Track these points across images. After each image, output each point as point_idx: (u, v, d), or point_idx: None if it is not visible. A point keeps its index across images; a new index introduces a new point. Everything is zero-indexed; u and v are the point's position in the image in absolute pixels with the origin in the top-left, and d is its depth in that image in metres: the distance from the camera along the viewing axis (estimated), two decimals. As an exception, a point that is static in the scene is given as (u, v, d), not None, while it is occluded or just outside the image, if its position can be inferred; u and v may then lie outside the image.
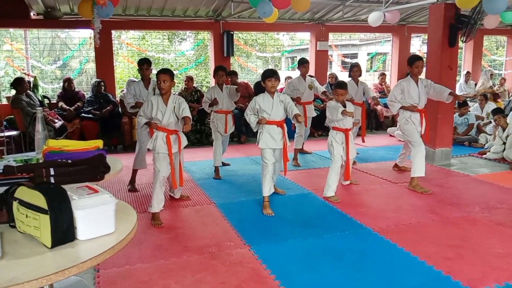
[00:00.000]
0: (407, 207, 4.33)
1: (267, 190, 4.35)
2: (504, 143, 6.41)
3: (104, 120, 7.56)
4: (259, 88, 4.57)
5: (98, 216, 1.74)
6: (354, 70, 6.11)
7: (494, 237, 3.74)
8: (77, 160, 2.57)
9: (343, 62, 13.92)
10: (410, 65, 5.00)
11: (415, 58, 5.01)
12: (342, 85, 4.65)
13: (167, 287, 2.96)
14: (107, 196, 1.78)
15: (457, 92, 10.09)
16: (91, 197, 1.75)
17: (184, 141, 4.19)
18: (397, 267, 3.22)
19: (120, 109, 7.88)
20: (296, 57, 19.20)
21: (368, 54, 16.93)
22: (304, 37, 11.67)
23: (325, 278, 3.06)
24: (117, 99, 8.21)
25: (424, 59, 5.80)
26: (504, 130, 6.64)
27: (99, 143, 3.04)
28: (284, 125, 4.32)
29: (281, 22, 9.44)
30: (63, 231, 1.65)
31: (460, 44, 6.70)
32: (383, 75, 10.41)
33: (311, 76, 6.87)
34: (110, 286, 3.00)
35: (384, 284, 2.98)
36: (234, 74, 8.29)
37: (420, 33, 12.05)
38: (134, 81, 7.84)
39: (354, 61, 16.73)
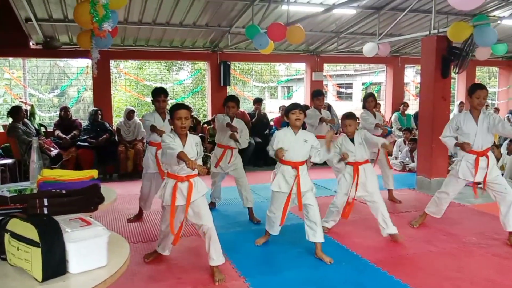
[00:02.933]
0: (404, 237, 4.29)
1: (270, 226, 4.22)
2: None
3: (100, 148, 7.56)
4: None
5: (90, 249, 1.71)
6: (369, 101, 5.80)
7: (491, 269, 3.70)
8: (71, 190, 2.56)
9: (338, 92, 14.09)
10: (470, 95, 4.28)
11: (477, 87, 4.28)
12: (350, 115, 4.38)
13: (160, 321, 2.90)
14: (100, 228, 1.76)
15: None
16: (84, 230, 1.74)
17: (202, 188, 3.55)
18: (394, 300, 3.17)
19: (116, 138, 7.89)
20: (292, 86, 19.43)
21: (363, 84, 17.18)
22: (300, 67, 11.86)
23: (321, 312, 3.01)
24: (113, 127, 8.23)
25: (417, 90, 5.86)
26: (498, 160, 6.67)
27: (93, 173, 3.02)
28: (302, 167, 3.91)
29: (277, 53, 9.61)
30: (55, 265, 1.63)
31: (453, 75, 6.81)
32: (376, 105, 10.50)
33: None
34: (102, 319, 2.93)
35: (381, 317, 2.93)
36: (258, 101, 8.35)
37: (413, 64, 12.27)
38: (130, 109, 7.96)
39: (349, 91, 16.93)
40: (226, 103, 5.00)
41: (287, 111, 3.95)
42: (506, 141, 7.15)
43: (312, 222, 3.88)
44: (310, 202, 3.88)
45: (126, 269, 1.85)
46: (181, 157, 3.08)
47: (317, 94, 5.93)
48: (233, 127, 4.83)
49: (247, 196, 5.05)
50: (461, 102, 11.02)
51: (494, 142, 7.37)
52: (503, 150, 7.02)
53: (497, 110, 11.43)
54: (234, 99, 5.04)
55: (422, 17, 8.12)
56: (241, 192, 5.08)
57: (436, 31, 6.41)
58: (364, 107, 5.91)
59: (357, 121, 4.49)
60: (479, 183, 4.38)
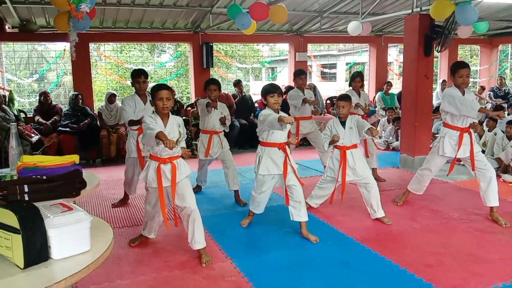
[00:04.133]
0: (388, 215, 4.34)
1: (255, 206, 4.24)
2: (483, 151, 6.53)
3: (82, 133, 7.45)
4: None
5: (72, 235, 1.68)
6: (356, 81, 5.80)
7: (474, 244, 3.78)
8: (52, 176, 2.51)
9: (322, 73, 14.07)
10: (453, 74, 4.29)
11: (459, 65, 4.30)
12: (344, 97, 4.35)
13: (148, 304, 2.90)
14: (82, 213, 1.73)
15: (434, 100, 10.29)
16: (65, 215, 1.70)
17: (186, 169, 3.49)
18: (379, 277, 3.23)
19: (98, 122, 7.77)
20: (276, 67, 19.33)
21: (347, 64, 17.17)
22: (283, 48, 11.76)
23: (308, 290, 3.05)
24: (95, 112, 8.09)
25: (401, 69, 5.84)
26: (480, 137, 6.77)
27: (75, 158, 2.97)
28: (287, 147, 3.94)
29: (260, 33, 9.51)
30: (36, 251, 1.60)
31: (436, 53, 6.84)
32: (362, 86, 10.52)
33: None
34: (89, 304, 2.93)
35: (366, 294, 2.98)
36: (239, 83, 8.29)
37: (396, 43, 12.28)
38: (111, 93, 7.83)
39: (333, 71, 16.92)
40: (207, 86, 4.92)
41: (265, 93, 3.85)
42: (487, 118, 7.24)
43: (296, 202, 3.90)
44: (294, 182, 3.88)
45: (110, 253, 1.83)
46: (160, 136, 3.04)
47: (300, 73, 5.82)
48: (211, 103, 4.77)
49: (233, 179, 5.03)
50: (444, 81, 11.12)
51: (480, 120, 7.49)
52: (484, 127, 7.12)
53: (482, 88, 11.54)
54: (215, 82, 4.98)
55: (404, -5, 8.09)
56: (227, 174, 5.06)
57: (418, 9, 6.40)
58: (350, 86, 5.89)
59: (351, 103, 4.41)
60: (460, 160, 4.43)
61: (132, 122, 4.46)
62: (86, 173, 2.94)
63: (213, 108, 4.86)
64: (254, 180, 4.19)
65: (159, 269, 3.39)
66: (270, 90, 3.83)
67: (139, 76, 4.55)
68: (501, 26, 10.69)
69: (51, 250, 1.64)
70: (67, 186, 2.52)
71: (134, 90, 4.67)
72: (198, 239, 3.44)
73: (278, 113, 3.80)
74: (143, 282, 3.20)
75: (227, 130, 5.14)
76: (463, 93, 4.25)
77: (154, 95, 3.32)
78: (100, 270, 3.32)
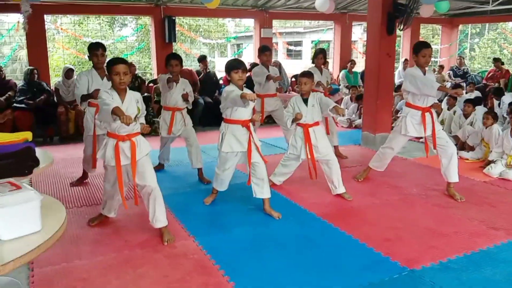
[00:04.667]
0: (349, 191, 4.42)
1: (218, 184, 4.20)
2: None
3: (39, 110, 7.13)
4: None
5: (21, 214, 1.61)
6: (319, 57, 5.73)
7: (431, 218, 3.91)
8: (3, 153, 2.39)
9: (287, 50, 14.03)
10: (415, 53, 4.31)
11: (422, 45, 4.33)
12: (306, 73, 4.31)
13: (108, 284, 2.84)
14: (31, 192, 1.65)
15: (396, 79, 10.48)
16: (13, 194, 1.62)
17: (146, 147, 3.41)
18: (339, 251, 3.30)
19: (55, 98, 7.46)
20: (242, 44, 19.11)
21: (312, 41, 17.19)
22: (249, 24, 11.61)
23: (270, 266, 3.07)
24: (52, 87, 7.76)
25: (365, 48, 5.86)
26: (438, 115, 6.96)
27: (27, 135, 2.84)
28: (250, 124, 3.89)
29: (225, 8, 9.31)
30: (-18, 232, 1.52)
31: (399, 32, 6.91)
32: (325, 63, 10.56)
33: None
34: (46, 285, 2.84)
35: (326, 267, 3.04)
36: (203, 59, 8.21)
37: (361, 21, 12.35)
38: (69, 68, 7.52)
39: (298, 48, 16.92)
40: (168, 61, 4.78)
41: (229, 69, 3.78)
42: (447, 97, 7.46)
43: (259, 179, 3.90)
44: (257, 160, 3.87)
45: (63, 233, 1.76)
46: (116, 112, 2.95)
47: (264, 49, 5.73)
48: (171, 78, 4.66)
49: (197, 157, 4.97)
50: (406, 60, 11.31)
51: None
52: (444, 105, 7.32)
53: (441, 67, 11.83)
54: (176, 57, 4.84)
55: (369, -27, 8.08)
56: (191, 152, 4.98)
57: (382, -14, 6.42)
58: (313, 63, 5.88)
59: (313, 80, 4.40)
60: (420, 138, 4.54)
61: (84, 97, 4.29)
62: (40, 151, 2.83)
63: (174, 84, 4.74)
64: (218, 157, 4.15)
65: (119, 248, 3.32)
66: (234, 66, 3.76)
67: (96, 48, 4.35)
68: (462, 6, 10.93)
69: (-2, 231, 1.56)
70: (19, 164, 2.41)
71: (92, 65, 4.48)
72: (159, 217, 3.39)
73: (242, 89, 3.74)
74: (102, 262, 3.13)
75: (190, 107, 5.04)
76: (424, 73, 4.31)
77: (110, 70, 3.20)
78: (58, 250, 3.22)
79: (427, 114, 4.37)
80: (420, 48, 4.28)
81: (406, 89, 4.39)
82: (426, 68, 4.42)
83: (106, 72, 3.46)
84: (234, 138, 3.86)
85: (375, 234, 3.55)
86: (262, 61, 5.78)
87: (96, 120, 4.28)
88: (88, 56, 4.52)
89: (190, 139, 4.96)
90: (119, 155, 3.26)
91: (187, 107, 4.98)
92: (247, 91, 3.72)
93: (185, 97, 4.82)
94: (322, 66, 5.90)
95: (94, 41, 9.60)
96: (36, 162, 2.49)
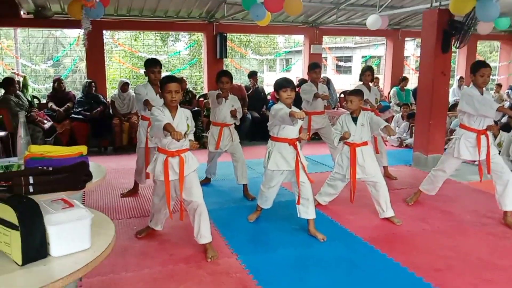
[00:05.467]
0: (398, 215, 4.27)
1: (263, 201, 4.20)
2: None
3: (95, 121, 7.47)
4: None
5: (72, 232, 1.66)
6: (366, 75, 5.63)
7: (485, 248, 3.70)
8: (58, 167, 2.49)
9: (337, 66, 13.90)
10: (473, 73, 4.14)
11: (481, 65, 4.17)
12: (353, 91, 4.27)
13: (151, 298, 2.89)
14: (83, 210, 1.70)
15: (451, 97, 10.10)
16: (65, 212, 1.68)
17: (194, 163, 3.49)
18: (386, 279, 3.17)
19: (111, 110, 7.79)
20: (291, 59, 19.18)
21: (363, 57, 16.94)
22: (299, 39, 11.63)
23: (313, 290, 3.01)
24: (108, 100, 8.11)
25: (418, 63, 5.69)
26: (495, 137, 6.62)
27: (82, 149, 2.95)
28: (298, 143, 3.86)
29: (275, 24, 9.40)
30: (35, 248, 1.57)
31: (454, 49, 6.67)
32: (376, 79, 10.37)
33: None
34: (93, 296, 2.93)
35: (372, 296, 2.93)
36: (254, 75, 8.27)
37: (414, 37, 12.05)
38: (124, 82, 7.83)
39: (348, 64, 16.74)
40: (219, 78, 4.85)
41: (278, 87, 3.79)
42: (505, 117, 7.08)
43: (304, 199, 3.85)
44: (302, 179, 3.82)
45: (111, 251, 1.80)
46: (167, 128, 3.03)
47: (314, 67, 5.72)
48: (221, 94, 4.73)
49: (242, 173, 4.99)
50: (461, 77, 10.89)
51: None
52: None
53: (499, 86, 11.29)
54: (227, 74, 4.92)
55: (424, -11, 7.90)
56: (236, 168, 5.02)
57: (438, 4, 6.24)
58: (360, 80, 5.79)
59: (362, 98, 4.30)
60: (474, 160, 4.33)
61: (146, 102, 4.41)
62: (94, 165, 2.93)
63: (223, 100, 4.81)
64: (263, 174, 4.15)
65: (164, 262, 3.38)
66: (283, 84, 3.76)
67: (154, 66, 4.49)
68: (523, 22, 10.39)
69: (50, 247, 1.62)
70: (73, 178, 2.50)
71: (147, 79, 4.63)
72: (204, 233, 3.42)
73: (291, 107, 3.73)
74: (147, 275, 3.19)
75: (237, 123, 5.10)
76: (482, 93, 4.13)
77: (163, 88, 3.30)
78: (106, 262, 3.27)
79: (483, 137, 4.16)
80: (479, 68, 4.11)
81: (462, 109, 4.21)
82: (484, 89, 4.23)
83: (159, 90, 3.56)
84: (281, 156, 3.84)
85: (425, 263, 3.39)
86: (311, 78, 5.76)
87: (148, 133, 4.42)
88: (144, 72, 4.68)
89: (236, 155, 5.00)
90: (168, 171, 3.33)
91: (235, 123, 5.03)
92: (295, 109, 3.71)
93: (233, 114, 4.88)
94: (371, 83, 5.79)
95: (148, 56, 10.03)
96: (89, 177, 2.58)
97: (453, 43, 6.37)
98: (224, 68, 9.44)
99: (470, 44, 10.34)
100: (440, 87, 6.33)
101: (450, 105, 7.98)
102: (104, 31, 8.81)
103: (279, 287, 3.03)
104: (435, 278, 3.14)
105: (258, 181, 5.03)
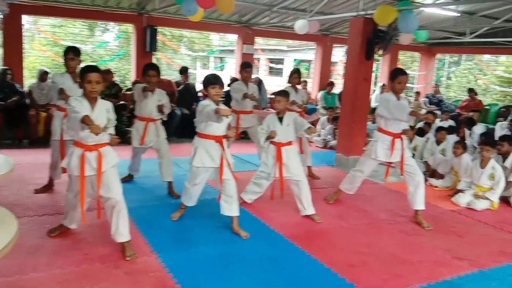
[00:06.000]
0: (319, 213, 4.41)
1: (187, 198, 4.14)
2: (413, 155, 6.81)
3: (9, 111, 6.93)
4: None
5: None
6: (294, 77, 5.75)
7: (397, 244, 3.93)
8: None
9: (269, 67, 14.11)
10: (392, 80, 4.36)
11: (399, 72, 4.39)
12: (280, 92, 4.33)
13: (61, 299, 2.73)
14: (-23, 205, 1.56)
15: (373, 102, 10.63)
16: (-44, 206, 1.53)
17: (113, 158, 3.34)
18: (304, 274, 3.26)
19: (27, 101, 7.27)
20: (225, 57, 19.16)
21: (295, 60, 17.35)
22: (233, 38, 11.65)
23: (233, 286, 3.01)
24: (25, 89, 7.57)
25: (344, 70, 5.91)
26: (411, 141, 7.05)
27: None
28: (224, 140, 3.85)
29: (208, 21, 9.33)
30: None
31: (377, 57, 7.02)
32: (304, 82, 10.64)
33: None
34: (-5, 298, 2.71)
35: (289, 292, 2.99)
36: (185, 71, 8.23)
37: (342, 44, 12.53)
38: (44, 71, 7.34)
39: (279, 66, 17.04)
40: (145, 71, 4.69)
41: (206, 84, 3.76)
42: (421, 123, 7.58)
43: (228, 196, 3.85)
44: (227, 176, 3.83)
45: (10, 249, 1.67)
46: (85, 121, 2.89)
47: (246, 66, 5.74)
48: (147, 87, 4.59)
49: (167, 170, 4.88)
50: (384, 84, 11.50)
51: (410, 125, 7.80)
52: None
53: (417, 94, 12.06)
54: (154, 67, 4.77)
55: (352, -3, 8.25)
56: (161, 164, 4.90)
57: (364, 12, 6.53)
58: (288, 82, 5.91)
59: (288, 99, 4.39)
60: (391, 163, 4.60)
61: (61, 91, 4.19)
62: (0, 157, 2.71)
63: (150, 94, 4.67)
64: (189, 172, 4.09)
65: (78, 261, 3.21)
66: (211, 81, 3.73)
67: (67, 53, 4.32)
68: (440, 36, 11.24)
69: None
70: (-27, 170, 2.30)
71: (66, 68, 4.41)
72: (122, 231, 3.30)
73: (218, 104, 3.71)
74: (59, 275, 3.01)
75: (165, 119, 4.98)
76: (398, 99, 4.37)
77: (83, 77, 3.14)
78: (13, 262, 3.09)
79: (397, 140, 4.42)
80: (397, 75, 4.35)
81: (380, 113, 4.45)
82: (402, 95, 4.49)
83: (79, 79, 3.37)
84: (207, 153, 3.81)
85: (341, 259, 3.53)
86: (242, 77, 5.76)
87: (63, 125, 4.19)
88: (64, 60, 4.44)
89: (162, 151, 4.88)
90: (84, 165, 3.17)
91: (161, 118, 4.91)
92: (222, 106, 3.69)
93: (160, 108, 4.75)
94: (298, 85, 5.91)
95: (72, 44, 9.50)
96: (-8, 170, 2.38)
97: (376, 51, 6.70)
98: (154, 62, 9.20)
99: (392, 53, 11.01)
100: (362, 93, 6.64)
101: (371, 109, 8.38)
102: (24, 16, 8.22)
103: (198, 285, 3.00)
104: (349, 273, 3.29)
105: (184, 179, 4.93)
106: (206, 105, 3.65)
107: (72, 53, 4.32)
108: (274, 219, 4.33)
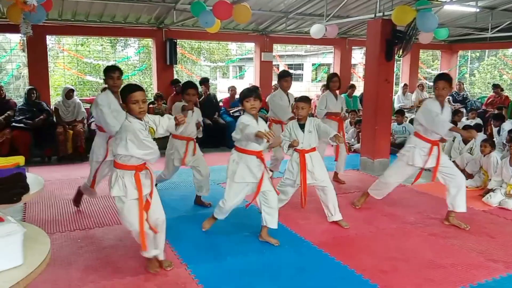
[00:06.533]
0: (346, 218, 4.36)
1: (222, 213, 4.06)
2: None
3: (37, 130, 7.13)
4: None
5: (3, 248, 1.56)
6: (334, 81, 5.57)
7: (428, 248, 3.84)
8: (-8, 179, 2.36)
9: (288, 73, 14.10)
10: (434, 84, 4.35)
11: (436, 77, 4.38)
12: (303, 98, 4.23)
13: (95, 314, 2.77)
14: (14, 225, 1.61)
15: (395, 103, 10.51)
16: (-6, 227, 1.58)
17: (154, 176, 3.23)
18: (334, 282, 3.23)
19: (54, 118, 7.47)
20: (244, 66, 19.26)
21: (313, 65, 17.30)
22: (251, 46, 11.71)
23: (262, 297, 3.00)
24: (51, 107, 7.78)
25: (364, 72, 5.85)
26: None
27: (19, 159, 2.81)
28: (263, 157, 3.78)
29: (225, 32, 9.41)
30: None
31: (398, 57, 6.94)
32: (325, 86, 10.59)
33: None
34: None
35: (320, 300, 2.97)
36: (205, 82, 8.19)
37: (360, 46, 12.46)
38: (69, 88, 7.49)
39: (298, 72, 17.00)
40: (185, 90, 4.57)
41: (241, 98, 3.74)
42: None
43: (271, 208, 3.82)
44: (269, 188, 3.81)
45: (46, 266, 1.72)
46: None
47: (284, 75, 5.52)
48: (186, 106, 4.46)
49: (206, 186, 4.80)
50: (405, 84, 11.38)
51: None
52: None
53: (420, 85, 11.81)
54: (194, 86, 4.68)
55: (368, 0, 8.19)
56: (200, 182, 4.78)
57: (381, 14, 6.48)
58: (327, 88, 5.76)
59: (311, 105, 4.31)
60: (425, 169, 4.49)
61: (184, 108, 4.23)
62: (31, 176, 2.80)
63: (190, 113, 4.53)
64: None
65: (110, 275, 3.26)
66: (245, 94, 3.71)
67: (113, 71, 4.18)
68: (461, 32, 11.04)
69: (-23, 266, 1.52)
70: (7, 191, 2.37)
71: (107, 87, 4.25)
72: (162, 247, 3.29)
73: (257, 118, 3.72)
74: (92, 289, 3.06)
75: (200, 136, 4.87)
76: (442, 106, 4.24)
77: (127, 98, 2.97)
78: (47, 277, 3.15)
79: (435, 148, 4.33)
80: (435, 80, 4.29)
81: (418, 119, 4.36)
82: (445, 102, 4.37)
83: (121, 101, 3.31)
84: (248, 168, 3.76)
85: (371, 265, 3.48)
86: (282, 87, 5.52)
87: (108, 145, 4.14)
88: (104, 80, 4.35)
89: (201, 169, 4.75)
90: (140, 186, 3.04)
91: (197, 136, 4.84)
92: (261, 123, 3.72)
93: (198, 126, 4.73)
94: (337, 90, 5.71)
95: (95, 62, 9.74)
96: (25, 189, 2.46)
97: (396, 51, 6.63)
98: (175, 75, 9.34)
99: (413, 53, 10.85)
100: (384, 94, 6.56)
101: (395, 110, 8.28)
102: (48, 36, 8.47)
103: (229, 296, 3.01)
104: (381, 279, 3.23)
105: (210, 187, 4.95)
106: (246, 125, 3.57)
107: (118, 71, 4.20)
108: (301, 227, 4.31)
